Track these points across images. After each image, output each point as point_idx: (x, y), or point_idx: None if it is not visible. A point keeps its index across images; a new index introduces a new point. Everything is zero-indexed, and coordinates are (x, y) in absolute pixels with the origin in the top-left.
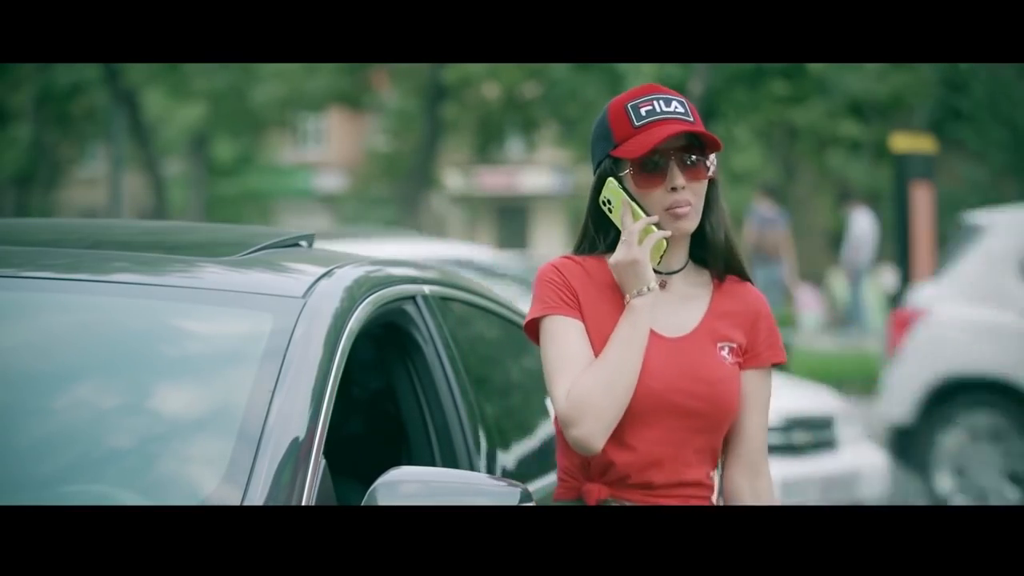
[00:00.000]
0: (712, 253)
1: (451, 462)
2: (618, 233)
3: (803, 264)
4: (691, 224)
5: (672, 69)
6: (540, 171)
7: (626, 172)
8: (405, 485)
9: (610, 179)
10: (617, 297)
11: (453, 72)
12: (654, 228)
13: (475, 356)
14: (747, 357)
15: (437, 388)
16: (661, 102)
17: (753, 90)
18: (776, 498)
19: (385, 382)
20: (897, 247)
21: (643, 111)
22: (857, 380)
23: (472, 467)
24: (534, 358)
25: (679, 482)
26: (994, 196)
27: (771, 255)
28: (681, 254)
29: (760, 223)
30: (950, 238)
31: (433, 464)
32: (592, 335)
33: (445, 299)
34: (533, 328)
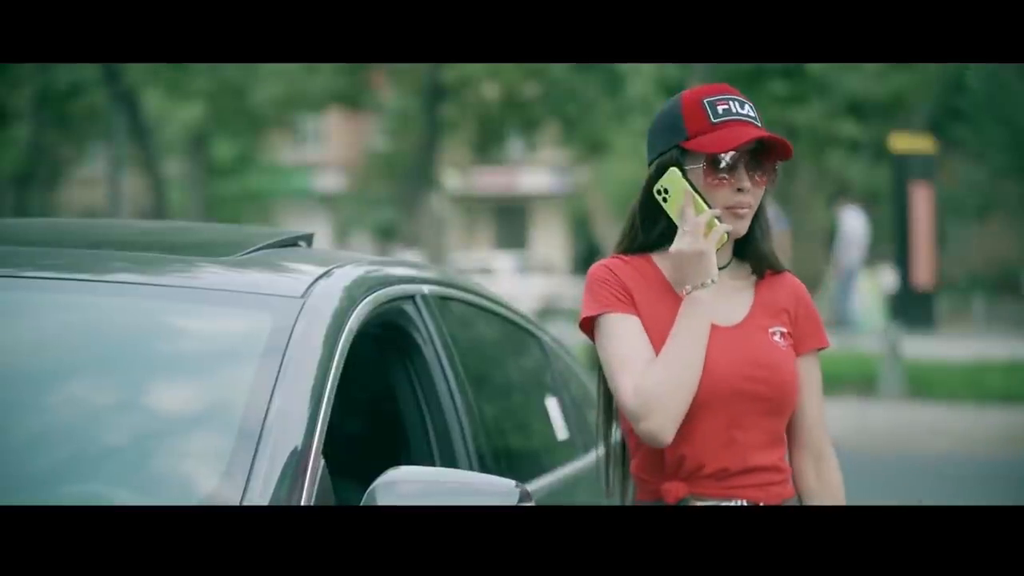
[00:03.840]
0: (758, 255)
1: (450, 462)
2: (668, 226)
3: (803, 264)
4: (746, 225)
5: (671, 69)
6: (539, 171)
7: (698, 166)
8: (404, 485)
9: (673, 168)
10: (670, 293)
11: (452, 72)
12: (716, 222)
13: (474, 356)
14: (795, 343)
15: (436, 388)
16: (736, 103)
17: (752, 90)
18: (840, 480)
19: (384, 382)
20: (896, 247)
21: (720, 109)
22: (855, 382)
23: (471, 467)
24: (533, 358)
25: (754, 467)
26: (993, 196)
27: None
28: (729, 251)
29: None
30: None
31: (432, 464)
32: (650, 332)
33: (444, 299)
34: (588, 326)
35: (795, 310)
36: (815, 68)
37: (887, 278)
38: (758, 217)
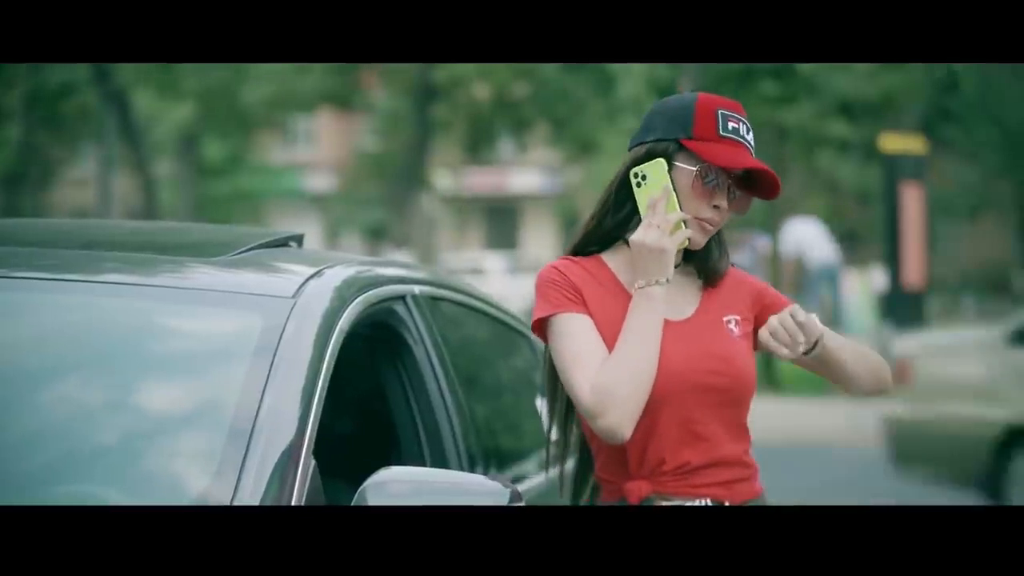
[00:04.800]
0: (711, 272)
1: (441, 462)
2: (630, 214)
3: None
4: (705, 240)
5: (662, 70)
6: (530, 171)
7: (691, 168)
8: (394, 485)
9: (660, 160)
10: (622, 293)
11: (443, 72)
12: (683, 225)
13: (465, 356)
14: (764, 313)
15: (427, 388)
16: (744, 126)
17: (742, 90)
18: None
19: (375, 382)
20: (887, 247)
21: (730, 125)
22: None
23: (461, 467)
24: (523, 358)
25: (718, 460)
26: (984, 197)
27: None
28: (679, 258)
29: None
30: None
31: (423, 464)
32: (602, 330)
33: (435, 299)
34: (540, 328)
35: (747, 292)
36: (805, 68)
37: (878, 278)
38: (719, 237)
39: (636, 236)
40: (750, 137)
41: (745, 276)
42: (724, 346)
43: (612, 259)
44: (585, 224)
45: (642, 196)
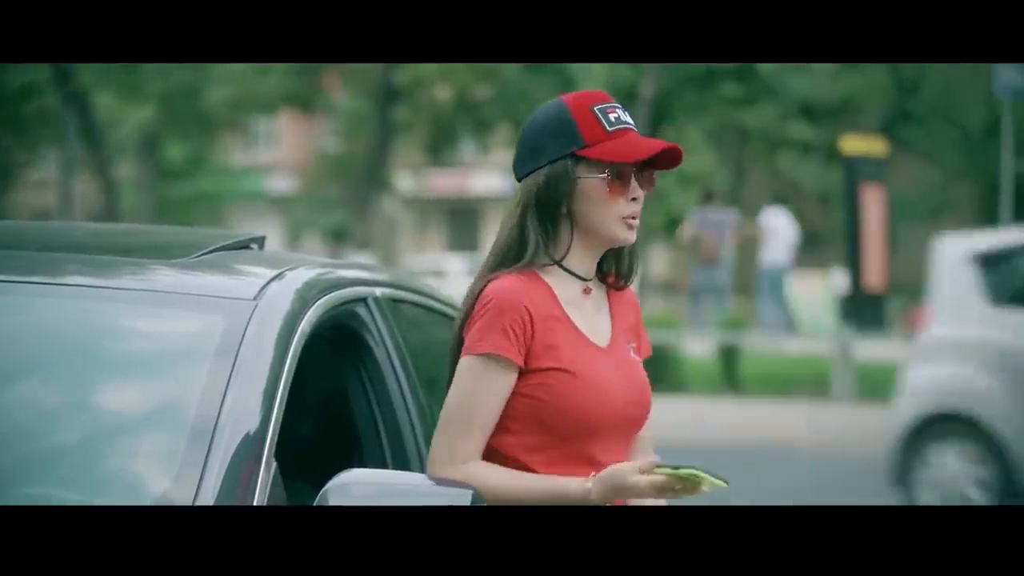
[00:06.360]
0: (630, 264)
1: (402, 464)
2: (572, 241)
3: (749, 267)
4: (635, 235)
5: (622, 71)
6: (492, 173)
7: (601, 175)
8: (356, 487)
9: (694, 472)
10: (562, 312)
11: (404, 73)
12: (704, 476)
13: (426, 358)
14: (636, 344)
15: (388, 390)
16: (621, 110)
17: (704, 92)
18: None
19: (336, 384)
20: (847, 249)
21: (612, 117)
22: (807, 384)
23: (423, 469)
24: None
25: None
26: (945, 199)
27: (712, 259)
28: (595, 264)
29: (704, 225)
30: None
31: (384, 466)
32: (540, 353)
33: (396, 301)
34: (463, 348)
35: (636, 323)
36: (767, 70)
37: (838, 280)
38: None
39: (639, 486)
40: (628, 117)
41: (632, 297)
42: (642, 377)
43: (548, 276)
44: (491, 257)
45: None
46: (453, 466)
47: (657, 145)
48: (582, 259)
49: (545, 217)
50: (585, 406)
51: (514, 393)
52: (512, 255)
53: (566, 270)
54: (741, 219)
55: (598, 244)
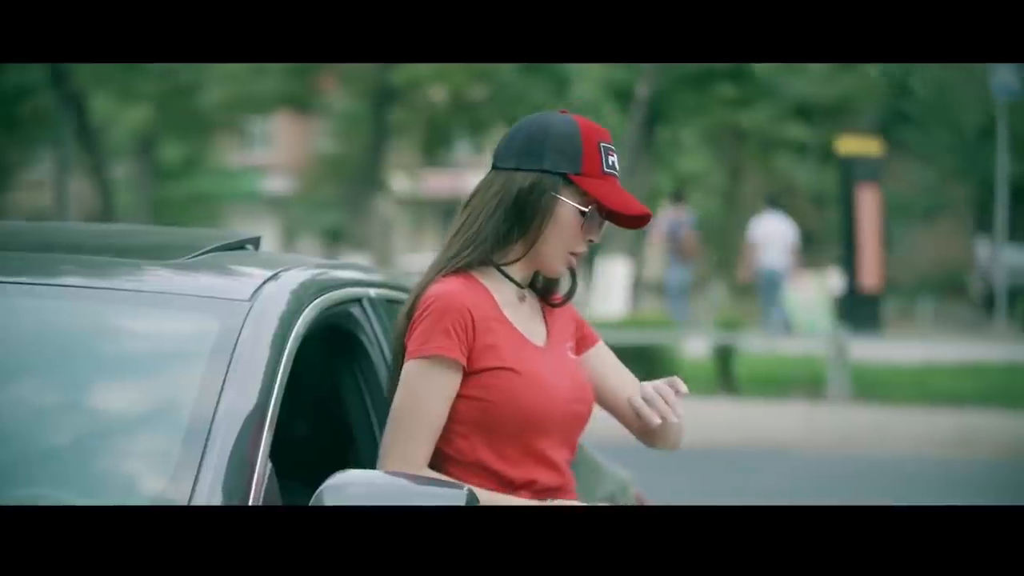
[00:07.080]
0: (571, 287)
1: None
2: (512, 242)
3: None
4: (567, 271)
5: (618, 72)
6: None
7: (575, 205)
8: (352, 488)
9: None
10: (502, 317)
11: (400, 74)
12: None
13: None
14: (580, 345)
15: (383, 390)
16: (616, 156)
17: (700, 93)
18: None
19: (331, 385)
20: (843, 250)
21: (610, 160)
22: (803, 384)
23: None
24: None
25: (560, 486)
26: (940, 199)
27: (686, 257)
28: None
29: (674, 227)
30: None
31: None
32: (483, 354)
33: (391, 302)
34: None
35: (571, 319)
36: (763, 71)
37: (834, 281)
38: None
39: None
40: (618, 165)
41: (572, 307)
42: (582, 375)
43: (486, 279)
44: (458, 244)
45: None
46: (408, 471)
47: (641, 208)
48: (520, 270)
49: (514, 220)
50: (531, 404)
51: (458, 396)
52: (488, 246)
53: (504, 274)
54: (694, 229)
55: (537, 265)
